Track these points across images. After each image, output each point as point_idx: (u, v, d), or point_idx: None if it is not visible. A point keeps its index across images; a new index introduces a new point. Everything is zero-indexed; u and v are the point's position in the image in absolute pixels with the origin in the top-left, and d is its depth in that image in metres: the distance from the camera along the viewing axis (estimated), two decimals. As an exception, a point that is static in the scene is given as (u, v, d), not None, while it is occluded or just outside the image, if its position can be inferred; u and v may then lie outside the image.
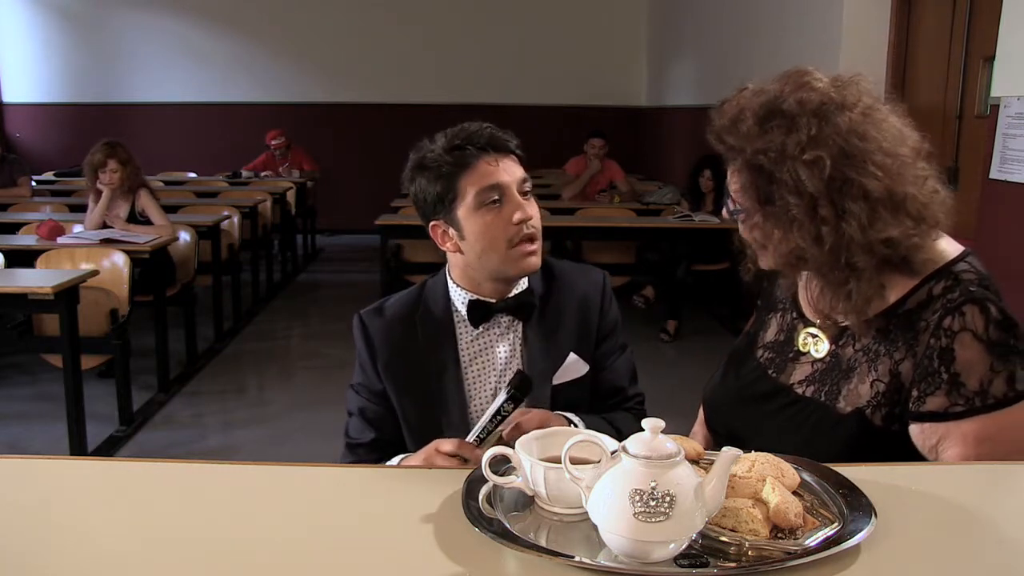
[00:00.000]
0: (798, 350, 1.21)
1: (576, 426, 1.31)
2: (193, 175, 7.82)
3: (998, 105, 2.75)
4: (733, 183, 1.13)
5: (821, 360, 1.18)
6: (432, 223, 1.38)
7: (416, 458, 1.26)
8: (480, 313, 1.39)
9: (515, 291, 1.41)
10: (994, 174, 2.78)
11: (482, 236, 1.33)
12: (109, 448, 3.49)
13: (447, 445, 1.21)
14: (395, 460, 1.36)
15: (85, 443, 3.35)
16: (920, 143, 1.11)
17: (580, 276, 1.49)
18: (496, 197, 1.32)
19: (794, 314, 1.25)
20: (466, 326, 1.41)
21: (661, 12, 8.55)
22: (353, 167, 8.72)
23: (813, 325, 1.20)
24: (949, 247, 1.13)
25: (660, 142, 8.41)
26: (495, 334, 1.41)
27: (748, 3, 5.72)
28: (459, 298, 1.41)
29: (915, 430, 1.08)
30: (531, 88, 8.94)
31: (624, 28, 9.07)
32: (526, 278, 1.41)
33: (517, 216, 1.32)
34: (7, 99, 8.98)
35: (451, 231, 1.36)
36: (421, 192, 1.36)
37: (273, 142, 7.59)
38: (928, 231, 1.09)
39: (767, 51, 5.17)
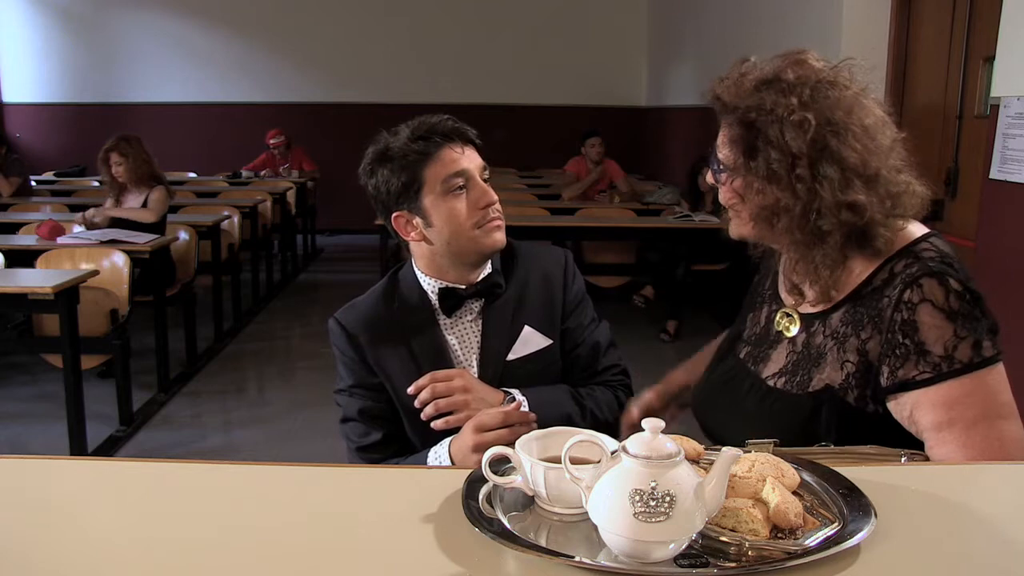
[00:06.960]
0: (775, 332, 1.25)
1: (513, 400, 1.34)
2: (193, 175, 7.81)
3: (998, 105, 2.75)
4: (722, 140, 1.18)
5: (793, 349, 1.21)
6: (395, 214, 1.40)
7: (463, 450, 1.26)
8: (452, 301, 1.42)
9: (481, 275, 1.43)
10: (994, 174, 2.77)
11: (450, 221, 1.36)
12: (109, 448, 3.49)
13: (489, 417, 1.22)
14: (431, 457, 1.33)
15: (85, 443, 3.35)
16: (898, 136, 1.16)
17: (542, 254, 1.52)
18: (462, 183, 1.36)
19: (773, 305, 1.29)
20: (440, 312, 1.44)
21: (661, 12, 8.55)
22: (353, 167, 8.39)
23: (787, 306, 1.25)
24: (916, 230, 1.17)
25: (660, 142, 8.41)
26: (468, 320, 1.44)
27: (748, 3, 5.72)
28: (429, 287, 1.43)
29: (891, 405, 1.11)
30: (531, 88, 8.94)
31: (624, 28, 9.07)
32: (489, 263, 1.44)
33: (484, 200, 1.37)
34: (7, 99, 8.98)
35: (416, 220, 1.39)
36: (384, 183, 1.38)
37: (272, 141, 7.60)
38: (894, 215, 1.13)
39: (767, 51, 5.15)
